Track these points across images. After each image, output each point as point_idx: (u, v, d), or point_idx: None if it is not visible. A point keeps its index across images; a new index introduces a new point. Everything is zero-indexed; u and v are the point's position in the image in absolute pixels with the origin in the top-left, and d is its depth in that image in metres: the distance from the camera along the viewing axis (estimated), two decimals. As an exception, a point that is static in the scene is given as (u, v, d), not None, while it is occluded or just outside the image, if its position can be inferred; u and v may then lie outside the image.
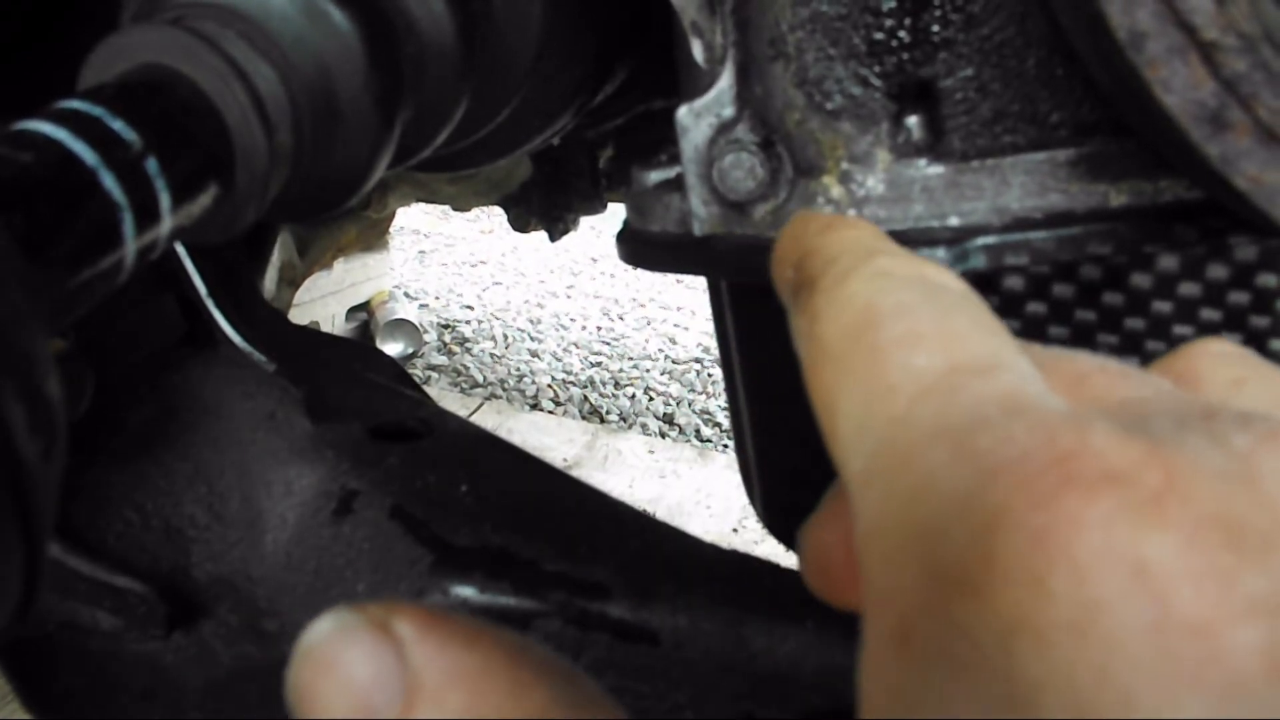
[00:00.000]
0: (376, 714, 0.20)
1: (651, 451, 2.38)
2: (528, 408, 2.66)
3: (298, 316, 2.41)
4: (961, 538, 0.16)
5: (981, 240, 0.38)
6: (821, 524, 0.30)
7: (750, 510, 0.57)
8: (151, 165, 0.29)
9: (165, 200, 0.30)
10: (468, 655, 0.21)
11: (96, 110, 0.29)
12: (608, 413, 2.66)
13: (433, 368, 2.87)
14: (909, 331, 0.21)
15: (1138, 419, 0.18)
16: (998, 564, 0.15)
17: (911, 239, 0.39)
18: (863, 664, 0.18)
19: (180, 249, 0.52)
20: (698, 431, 2.56)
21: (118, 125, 0.29)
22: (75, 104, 0.29)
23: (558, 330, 3.16)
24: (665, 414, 2.65)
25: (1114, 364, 0.22)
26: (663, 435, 2.55)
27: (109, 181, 0.28)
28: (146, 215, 0.29)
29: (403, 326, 2.88)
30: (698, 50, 0.42)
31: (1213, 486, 0.16)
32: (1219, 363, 0.23)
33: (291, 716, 0.21)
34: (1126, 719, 0.14)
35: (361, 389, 0.55)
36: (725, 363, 0.55)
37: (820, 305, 0.24)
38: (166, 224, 0.30)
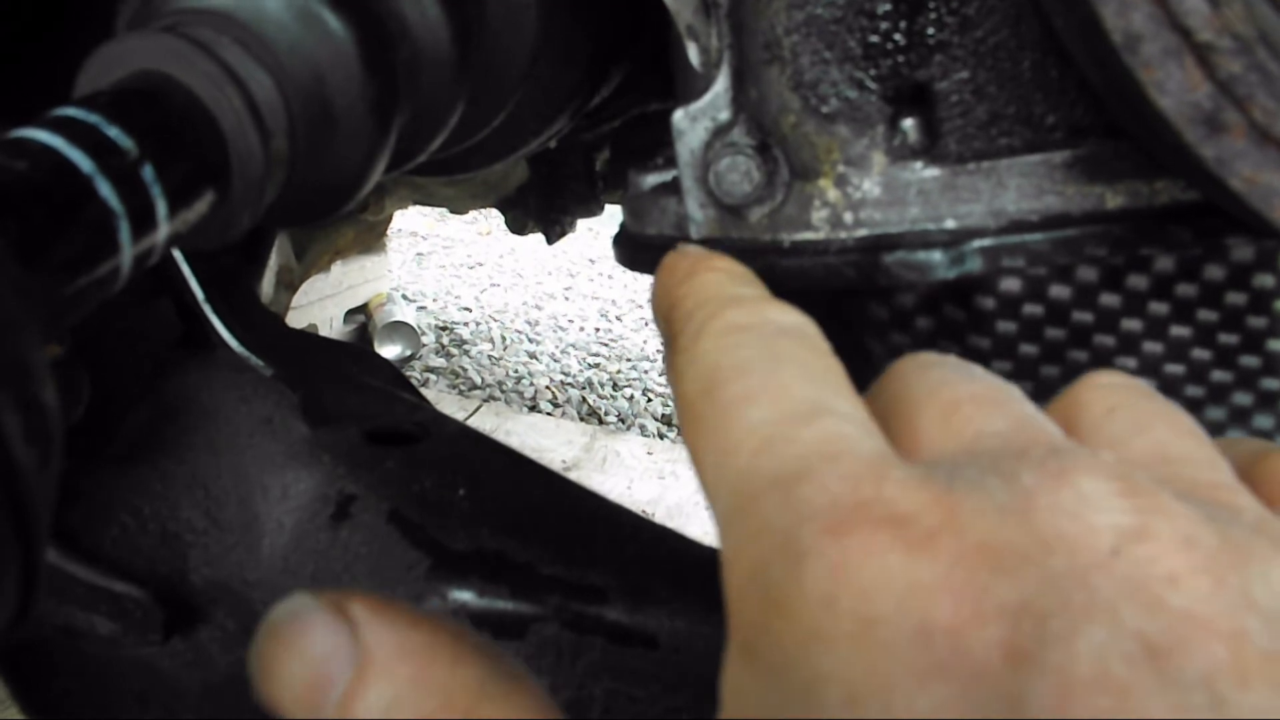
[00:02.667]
0: (332, 682, 0.23)
1: (650, 453, 2.38)
2: (526, 409, 2.66)
3: (295, 319, 2.41)
4: (781, 568, 0.20)
5: (978, 243, 0.38)
6: None
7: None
8: (147, 172, 0.29)
9: (161, 207, 0.30)
10: (414, 633, 0.24)
11: (92, 117, 0.29)
12: (606, 414, 2.66)
13: (431, 370, 2.87)
14: (745, 389, 0.24)
15: (967, 454, 0.23)
16: (803, 588, 0.19)
17: (908, 242, 0.39)
18: (722, 673, 0.21)
19: (177, 253, 0.52)
20: (696, 432, 2.56)
21: (113, 132, 0.29)
22: (71, 111, 0.29)
23: (556, 332, 3.16)
24: (664, 415, 2.65)
25: (993, 392, 0.25)
26: (661, 436, 2.55)
27: (105, 188, 0.28)
28: (143, 222, 0.29)
29: (401, 329, 2.88)
30: (693, 54, 0.42)
31: (987, 520, 0.20)
32: (1100, 393, 0.26)
33: (255, 689, 0.24)
34: (885, 704, 0.18)
35: (358, 393, 0.55)
36: (722, 365, 0.55)
37: (681, 365, 0.26)
38: (163, 230, 0.30)
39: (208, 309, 0.52)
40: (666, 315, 0.29)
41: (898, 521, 0.20)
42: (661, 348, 0.30)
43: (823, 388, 0.24)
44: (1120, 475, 0.20)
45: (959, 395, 0.25)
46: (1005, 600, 0.18)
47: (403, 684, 0.23)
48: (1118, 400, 0.26)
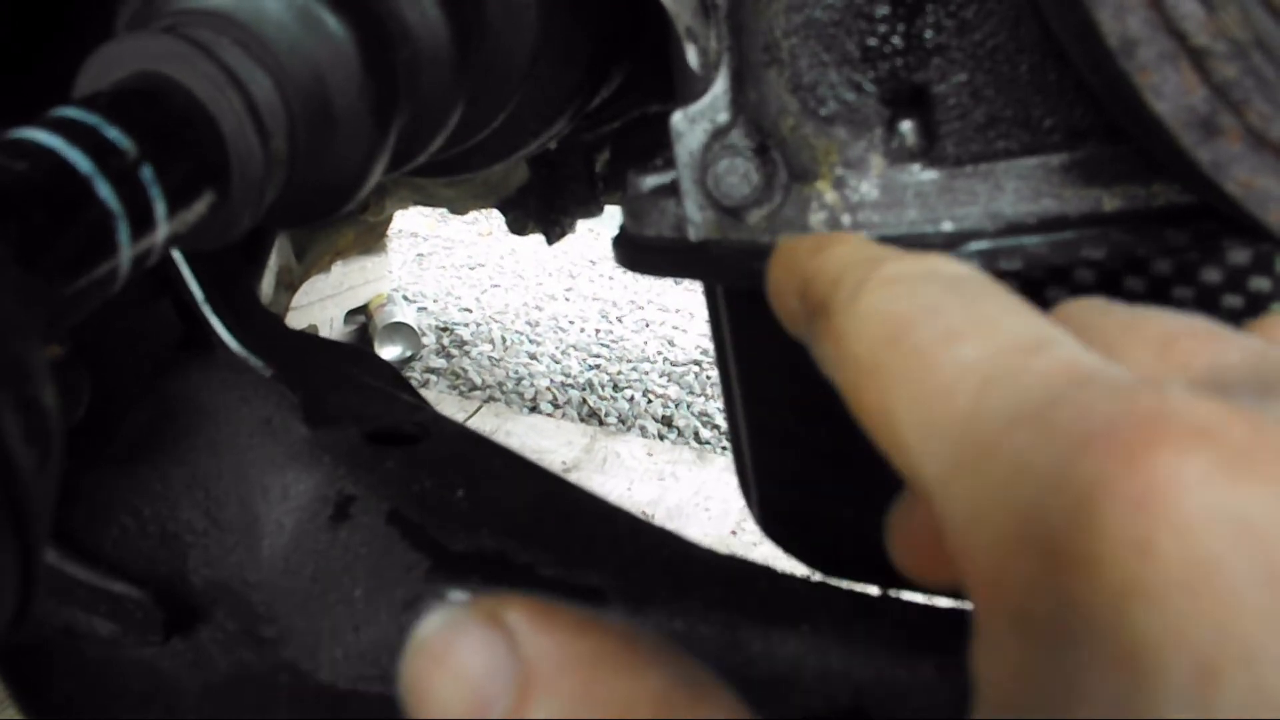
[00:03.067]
0: (491, 705, 0.20)
1: (650, 454, 2.38)
2: (526, 410, 2.66)
3: (296, 320, 2.42)
4: (1062, 513, 0.16)
5: (975, 245, 0.38)
6: (905, 513, 0.30)
7: (749, 513, 0.57)
8: (146, 173, 0.29)
9: (160, 208, 0.30)
10: (580, 642, 0.21)
11: (92, 118, 0.29)
12: (606, 415, 2.66)
13: (431, 370, 2.87)
14: (944, 328, 0.21)
15: (1219, 385, 0.19)
16: (1102, 532, 0.16)
17: (905, 244, 0.39)
18: (978, 651, 0.18)
19: (176, 254, 0.52)
20: (696, 434, 2.56)
21: (113, 133, 0.29)
22: (70, 112, 0.29)
23: (556, 333, 3.16)
24: (664, 416, 2.65)
25: (1201, 324, 0.22)
26: (661, 438, 2.55)
27: (104, 189, 0.28)
28: (142, 223, 0.29)
29: (401, 329, 2.88)
30: (692, 56, 0.42)
31: None
32: None
33: (407, 716, 0.21)
34: (1255, 677, 0.14)
35: (358, 394, 0.55)
36: (722, 367, 0.55)
37: (843, 326, 0.24)
38: (162, 231, 0.30)
39: (208, 310, 0.52)
40: (802, 290, 0.27)
41: (1205, 437, 0.16)
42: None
43: (1031, 319, 0.21)
44: None
45: (1169, 329, 0.22)
46: None
47: (572, 699, 0.20)
48: None
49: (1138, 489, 0.15)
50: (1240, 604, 0.14)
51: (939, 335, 0.21)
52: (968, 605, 0.46)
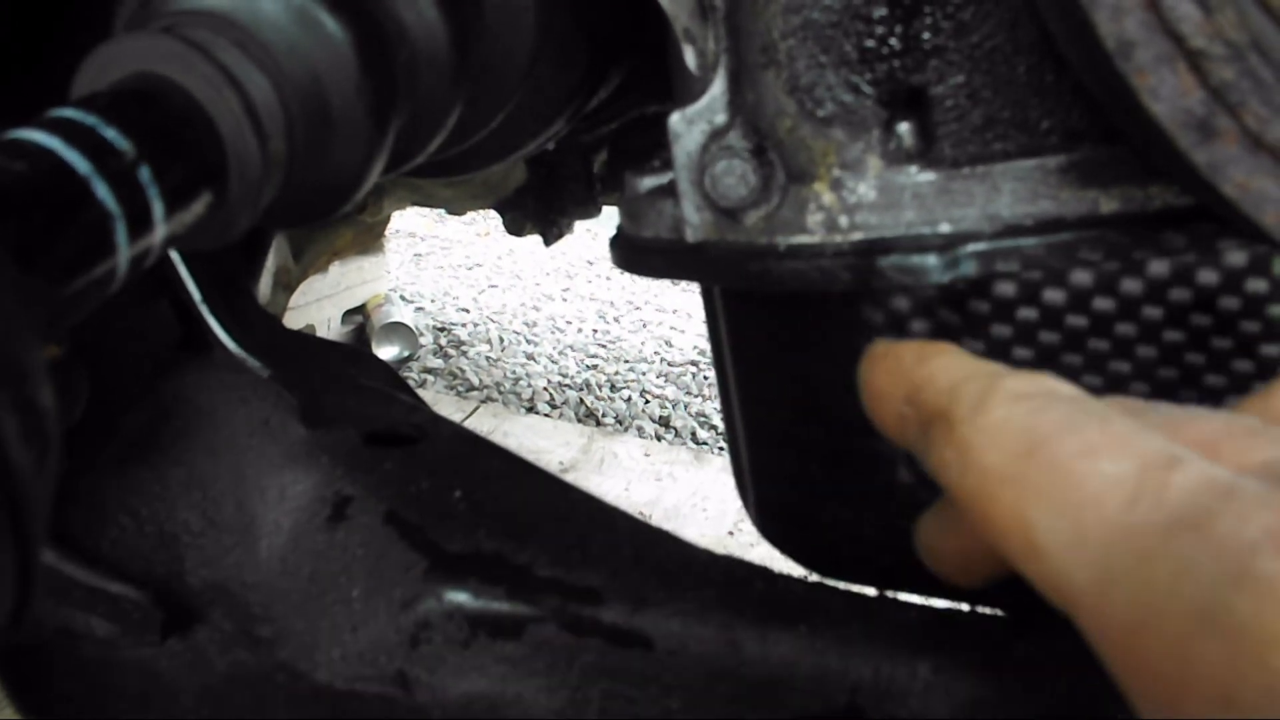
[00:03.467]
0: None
1: (648, 454, 2.38)
2: (524, 411, 2.65)
3: (293, 320, 2.41)
4: (1248, 609, 0.19)
5: (972, 247, 0.38)
6: (939, 523, 0.34)
7: (746, 513, 0.57)
8: (144, 174, 0.29)
9: (158, 208, 0.30)
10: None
11: (89, 119, 0.29)
12: (604, 415, 2.65)
13: (429, 370, 2.87)
14: (1082, 444, 0.23)
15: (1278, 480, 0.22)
16: None
17: (902, 245, 0.39)
18: None
19: (174, 254, 0.52)
20: (694, 434, 2.56)
21: (110, 134, 0.29)
22: (68, 112, 0.29)
23: (554, 333, 3.16)
24: (661, 417, 2.65)
25: (1233, 422, 0.25)
26: (659, 438, 2.55)
27: (102, 190, 0.28)
28: (139, 223, 0.29)
29: (399, 329, 2.87)
30: (690, 57, 0.42)
31: None
32: None
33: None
34: None
35: (356, 394, 0.55)
36: (719, 368, 0.55)
37: (969, 436, 0.26)
38: (159, 232, 0.30)
39: (205, 310, 0.52)
40: (910, 397, 0.29)
41: None
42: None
43: (1156, 436, 0.23)
44: None
45: (1208, 431, 0.25)
46: None
47: None
48: None
49: None
50: None
51: (1078, 450, 0.23)
52: (965, 605, 0.46)
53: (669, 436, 2.56)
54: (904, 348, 0.31)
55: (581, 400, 2.73)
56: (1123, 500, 0.22)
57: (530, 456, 0.53)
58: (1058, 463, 0.23)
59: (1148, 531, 0.21)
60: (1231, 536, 0.20)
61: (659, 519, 2.02)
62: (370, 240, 2.56)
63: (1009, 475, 0.24)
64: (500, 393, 2.76)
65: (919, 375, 0.29)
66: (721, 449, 2.45)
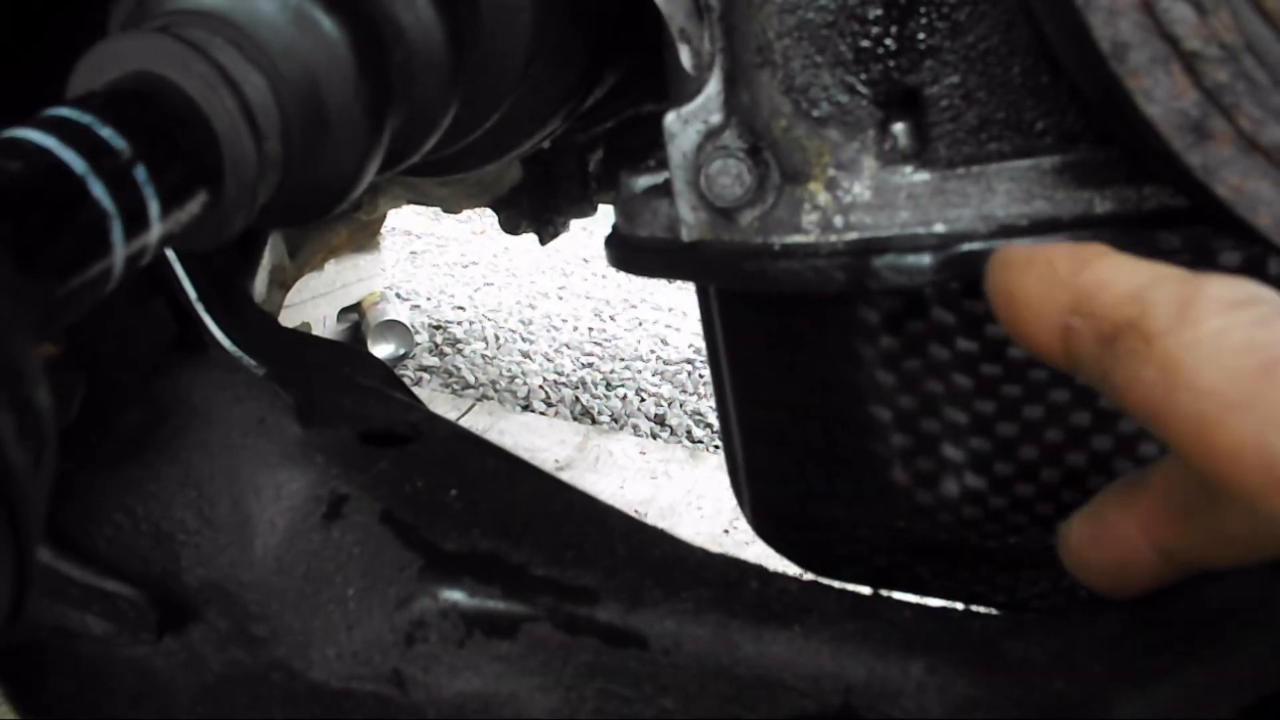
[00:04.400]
0: None
1: (643, 452, 2.38)
2: (519, 409, 2.65)
3: (289, 318, 2.41)
4: None
5: (967, 247, 0.39)
6: (1096, 534, 0.31)
7: (741, 512, 0.57)
8: (140, 173, 0.29)
9: (154, 208, 0.30)
10: None
11: (85, 118, 0.29)
12: (599, 414, 2.66)
13: (424, 369, 2.87)
14: None
15: None
16: None
17: (897, 245, 0.39)
18: None
19: (170, 253, 0.52)
20: (689, 433, 2.56)
21: (107, 133, 0.29)
22: (64, 112, 0.29)
23: (549, 331, 3.16)
24: (657, 415, 2.65)
25: None
26: (654, 436, 2.55)
27: (98, 189, 0.28)
28: (135, 223, 0.29)
29: (394, 327, 2.87)
30: (685, 57, 0.42)
31: None
32: None
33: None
34: None
35: (351, 393, 0.55)
36: (714, 367, 0.55)
37: (1176, 351, 0.23)
38: (155, 231, 0.30)
39: (201, 309, 0.52)
40: (1082, 307, 0.26)
41: None
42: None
43: None
44: None
45: None
46: None
47: None
48: None
49: None
50: None
51: None
52: (959, 605, 0.46)
53: (664, 435, 2.56)
54: (1054, 250, 0.27)
55: (577, 398, 2.73)
56: None
57: (525, 454, 0.53)
58: None
59: None
60: None
61: (654, 517, 2.02)
62: (366, 238, 2.55)
63: (1239, 398, 0.21)
64: (495, 391, 2.76)
65: (1086, 281, 0.26)
66: (716, 447, 2.45)
